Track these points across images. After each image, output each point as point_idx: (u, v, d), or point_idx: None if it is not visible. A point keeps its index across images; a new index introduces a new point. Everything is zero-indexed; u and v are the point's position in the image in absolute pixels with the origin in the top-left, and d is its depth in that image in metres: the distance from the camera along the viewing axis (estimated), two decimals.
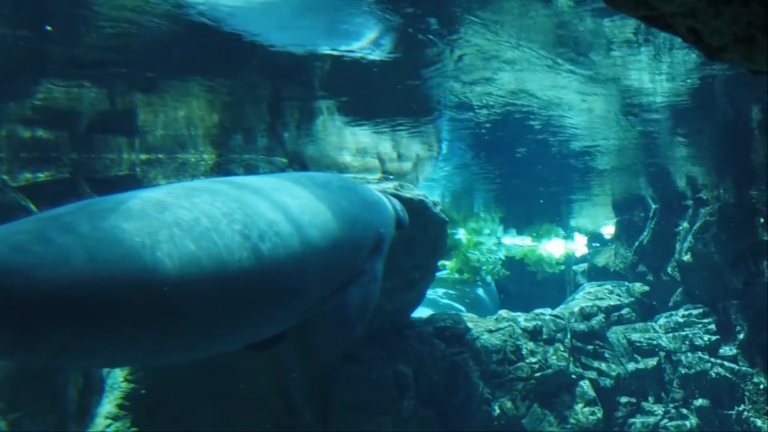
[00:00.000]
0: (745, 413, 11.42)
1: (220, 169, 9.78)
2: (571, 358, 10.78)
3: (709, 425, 11.35)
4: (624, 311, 12.07)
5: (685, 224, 12.74)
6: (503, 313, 10.99)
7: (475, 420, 9.76)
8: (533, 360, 10.36)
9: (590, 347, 11.23)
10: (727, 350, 11.88)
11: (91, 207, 6.17)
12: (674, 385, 11.53)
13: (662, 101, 9.40)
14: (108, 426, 7.89)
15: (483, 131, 10.70)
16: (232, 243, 6.28)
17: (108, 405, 7.99)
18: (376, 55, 7.81)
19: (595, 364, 11.13)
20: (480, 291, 17.55)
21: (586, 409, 10.50)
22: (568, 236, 19.73)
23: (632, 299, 12.48)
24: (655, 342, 11.72)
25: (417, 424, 9.31)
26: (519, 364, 10.28)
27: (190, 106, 8.98)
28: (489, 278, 17.70)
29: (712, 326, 12.06)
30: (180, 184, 7.52)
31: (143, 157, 9.58)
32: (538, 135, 10.99)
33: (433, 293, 15.95)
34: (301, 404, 8.78)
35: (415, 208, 9.04)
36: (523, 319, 10.78)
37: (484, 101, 9.35)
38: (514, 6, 6.61)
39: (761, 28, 2.34)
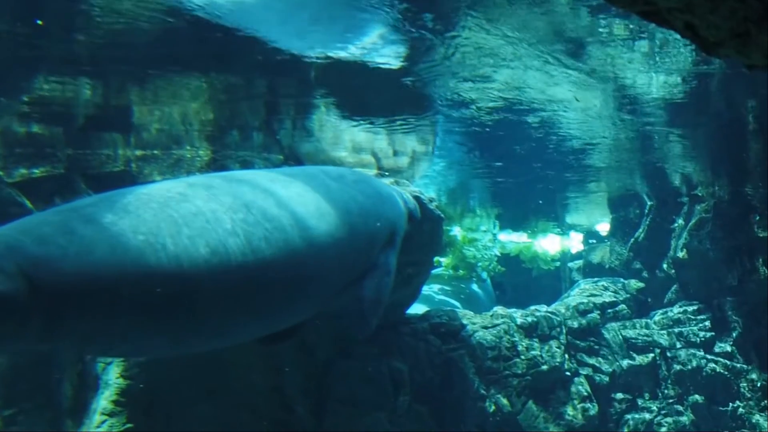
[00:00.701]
0: (740, 410, 11.44)
1: (216, 165, 9.77)
2: (567, 355, 10.80)
3: (703, 422, 11.37)
4: (619, 308, 12.07)
5: (681, 221, 12.76)
6: (499, 309, 11.00)
7: (470, 416, 9.77)
8: (528, 356, 10.37)
9: (585, 344, 11.24)
10: (722, 347, 11.90)
11: (113, 198, 6.28)
12: (669, 381, 11.54)
13: (658, 98, 9.41)
14: (103, 422, 7.88)
15: (479, 128, 10.70)
16: (252, 233, 6.41)
17: (103, 401, 7.98)
18: (373, 54, 7.81)
19: (591, 360, 11.15)
20: (475, 287, 17.56)
21: (581, 406, 10.51)
22: (564, 233, 19.76)
23: (627, 296, 12.49)
24: (650, 339, 11.73)
25: (412, 420, 9.32)
26: (514, 360, 10.28)
27: (185, 102, 8.97)
28: (484, 275, 17.71)
29: (707, 323, 12.07)
30: (199, 176, 7.79)
31: (138, 153, 9.56)
32: (534, 132, 11.00)
33: (429, 289, 15.95)
34: (296, 400, 8.79)
35: None
36: (518, 316, 10.79)
37: (480, 98, 9.35)
38: (512, 2, 6.62)
39: (757, 23, 2.34)
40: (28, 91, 8.24)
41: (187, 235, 6.04)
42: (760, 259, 11.91)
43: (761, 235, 11.91)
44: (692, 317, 12.14)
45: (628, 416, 11.12)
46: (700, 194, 12.72)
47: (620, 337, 11.60)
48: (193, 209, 6.26)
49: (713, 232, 12.22)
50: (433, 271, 15.85)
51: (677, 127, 10.80)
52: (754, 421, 11.33)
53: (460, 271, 17.15)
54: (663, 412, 11.30)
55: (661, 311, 12.38)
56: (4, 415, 8.21)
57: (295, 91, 9.14)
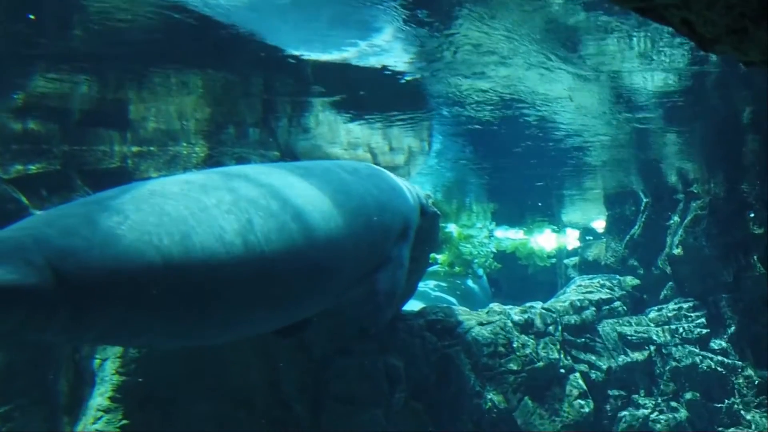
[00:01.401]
0: (735, 406, 11.46)
1: (212, 162, 9.75)
2: (562, 351, 10.80)
3: (699, 418, 11.39)
4: (615, 304, 12.08)
5: (676, 218, 12.77)
6: (495, 306, 11.01)
7: (466, 413, 9.78)
8: (524, 353, 10.38)
9: (581, 340, 11.25)
10: (717, 343, 11.92)
11: (134, 190, 6.38)
12: (664, 378, 11.56)
13: (654, 96, 9.42)
14: (99, 418, 7.88)
15: (475, 125, 10.70)
16: (271, 225, 6.52)
17: (99, 397, 7.98)
18: (369, 53, 7.81)
19: (586, 357, 11.16)
20: (472, 284, 17.58)
21: (577, 402, 10.52)
22: (560, 230, 19.77)
23: (623, 293, 12.50)
24: (645, 335, 11.75)
25: (408, 416, 9.33)
26: (510, 357, 10.29)
27: (182, 98, 8.96)
28: (481, 271, 17.72)
29: (703, 320, 12.09)
30: (216, 169, 7.77)
31: (135, 149, 9.55)
32: (530, 130, 11.00)
33: (425, 286, 15.98)
34: (293, 397, 8.79)
35: None
36: (514, 312, 10.79)
37: (477, 96, 9.35)
38: None
39: (754, 19, 2.34)
40: (24, 87, 8.23)
41: (207, 226, 6.15)
42: (756, 256, 11.93)
43: (757, 232, 11.93)
44: (688, 314, 12.17)
45: (624, 413, 11.13)
46: (695, 191, 12.73)
47: (616, 333, 11.61)
48: (213, 201, 6.37)
49: (709, 229, 12.24)
50: (429, 268, 15.89)
51: (673, 124, 10.81)
52: (749, 418, 11.35)
53: (456, 267, 17.16)
54: (658, 408, 11.32)
55: (656, 308, 12.40)
56: (0, 411, 8.20)
57: (292, 89, 9.14)
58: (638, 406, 11.27)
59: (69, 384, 8.39)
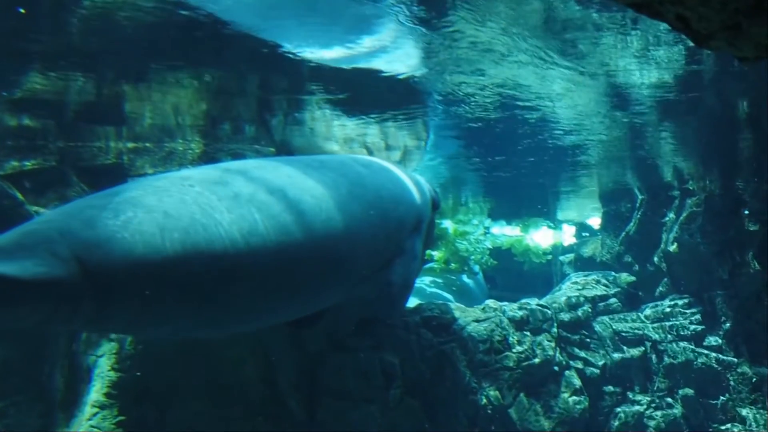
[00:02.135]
0: (730, 402, 11.49)
1: (208, 158, 9.75)
2: (558, 348, 10.82)
3: (694, 414, 11.42)
4: (610, 301, 12.10)
5: (672, 215, 12.79)
6: (490, 302, 11.01)
7: (462, 409, 9.79)
8: (520, 349, 10.39)
9: (576, 337, 11.27)
10: (712, 340, 11.95)
11: (154, 183, 6.50)
12: (660, 374, 11.59)
13: (650, 93, 9.43)
14: (95, 414, 7.88)
15: (471, 123, 10.71)
16: (289, 215, 6.62)
17: (95, 394, 7.98)
18: (367, 50, 7.81)
19: (581, 353, 11.18)
20: (468, 280, 17.58)
21: (572, 399, 10.54)
22: (556, 227, 19.78)
23: (618, 289, 12.51)
24: (641, 332, 11.77)
25: (403, 413, 9.33)
26: (506, 353, 10.30)
27: (177, 95, 8.95)
28: (477, 268, 17.72)
29: (698, 316, 12.12)
30: (234, 162, 7.95)
31: (130, 145, 9.54)
32: (526, 127, 11.01)
33: (420, 282, 15.97)
34: (288, 393, 8.79)
35: None
36: (510, 309, 10.80)
37: (473, 93, 9.35)
38: None
39: (748, 15, 2.35)
40: (19, 83, 8.21)
41: (227, 217, 6.23)
42: (751, 253, 11.96)
43: (752, 229, 11.96)
44: (683, 310, 12.19)
45: (619, 409, 11.16)
46: (691, 188, 12.76)
47: (611, 330, 11.63)
48: (232, 193, 6.46)
49: (704, 226, 12.26)
50: (425, 265, 15.90)
51: (669, 121, 10.83)
52: (744, 414, 11.38)
53: (452, 264, 17.16)
54: (654, 405, 11.34)
55: (651, 304, 12.42)
56: None
57: (287, 86, 9.14)
58: (633, 403, 11.29)
59: (64, 380, 8.39)
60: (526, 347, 10.44)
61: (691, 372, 11.61)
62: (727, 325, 12.00)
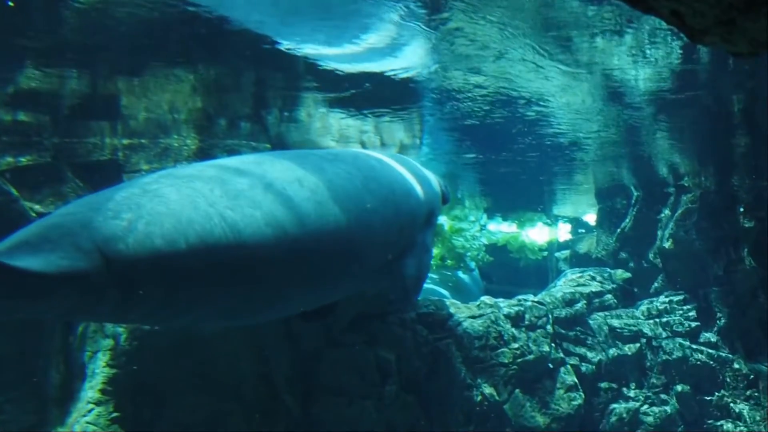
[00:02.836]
0: (725, 399, 11.52)
1: (204, 154, 9.75)
2: (553, 344, 10.84)
3: (689, 411, 11.45)
4: (606, 298, 12.12)
5: (667, 211, 12.81)
6: (486, 299, 11.02)
7: (457, 405, 9.80)
8: (515, 346, 10.40)
9: (572, 333, 11.28)
10: (707, 336, 11.98)
11: (172, 174, 6.60)
12: (655, 371, 11.61)
13: (645, 90, 9.43)
14: (90, 411, 7.87)
15: (467, 120, 10.71)
16: (304, 206, 6.72)
17: (90, 390, 7.97)
18: (364, 48, 7.81)
19: (577, 350, 11.20)
20: (464, 276, 17.59)
21: (567, 395, 10.56)
22: (552, 223, 19.80)
23: (614, 286, 12.53)
24: (636, 328, 11.79)
25: (399, 409, 9.34)
26: (501, 350, 10.31)
27: (173, 91, 8.94)
28: (473, 264, 17.73)
29: (693, 313, 12.15)
30: (252, 154, 8.17)
31: (126, 141, 9.53)
32: (522, 125, 11.01)
33: None
34: (283, 388, 8.80)
35: None
36: (505, 306, 10.81)
37: (470, 90, 9.35)
38: None
39: (742, 10, 2.35)
40: (13, 79, 8.19)
41: (244, 208, 6.30)
42: (746, 250, 11.98)
43: (747, 226, 11.98)
44: (678, 307, 12.22)
45: (614, 405, 11.18)
46: (686, 185, 12.78)
47: (606, 326, 11.65)
48: (249, 183, 6.55)
49: (699, 223, 12.28)
50: None
51: (664, 118, 10.83)
52: (739, 410, 11.41)
53: (449, 261, 17.17)
54: (649, 401, 11.37)
55: (647, 301, 12.44)
56: None
57: (283, 83, 9.13)
58: (628, 399, 11.32)
59: (60, 376, 8.38)
60: (521, 343, 10.45)
61: (686, 368, 11.64)
62: (722, 321, 12.03)
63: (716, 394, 11.54)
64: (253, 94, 9.46)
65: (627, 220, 13.43)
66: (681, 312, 12.14)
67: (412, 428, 9.42)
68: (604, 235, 13.97)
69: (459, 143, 12.58)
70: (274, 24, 7.25)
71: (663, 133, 11.57)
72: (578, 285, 12.21)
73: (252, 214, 6.32)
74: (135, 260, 5.70)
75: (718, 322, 12.05)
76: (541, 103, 9.91)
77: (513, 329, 10.53)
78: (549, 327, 10.90)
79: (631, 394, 11.38)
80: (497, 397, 10.03)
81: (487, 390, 9.99)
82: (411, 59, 8.22)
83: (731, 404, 11.48)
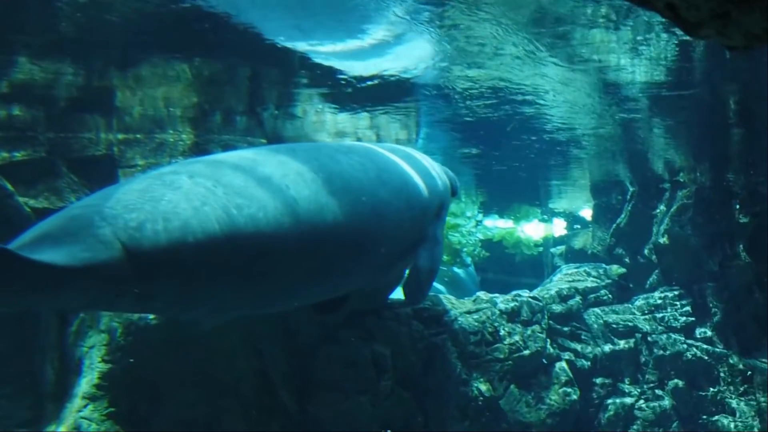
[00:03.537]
0: (720, 394, 11.54)
1: (199, 149, 9.73)
2: (548, 340, 10.84)
3: (684, 406, 11.46)
4: (601, 293, 12.13)
5: (662, 207, 12.81)
6: (481, 294, 11.02)
7: (453, 400, 9.80)
8: (511, 341, 10.40)
9: (567, 329, 11.29)
10: (702, 332, 11.99)
11: (188, 165, 6.70)
12: (650, 366, 11.63)
13: (641, 86, 9.43)
14: (85, 406, 7.86)
15: (463, 116, 10.71)
16: (320, 197, 6.81)
17: (85, 385, 7.96)
18: (361, 47, 7.80)
19: (572, 345, 11.21)
20: (460, 272, 17.60)
21: (563, 390, 10.57)
22: (548, 219, 19.81)
23: (609, 281, 12.54)
24: (631, 324, 11.80)
25: (394, 404, 9.34)
26: (497, 345, 10.32)
27: (168, 85, 8.92)
28: (468, 259, 17.74)
29: (688, 308, 12.16)
30: (265, 147, 8.34)
31: (121, 136, 9.51)
32: (518, 121, 11.00)
33: None
34: (279, 384, 8.79)
35: None
36: (501, 301, 10.81)
37: (466, 86, 9.35)
38: None
39: (737, 3, 2.35)
40: (10, 73, 8.17)
41: (261, 198, 6.37)
42: (741, 245, 12.00)
43: (742, 221, 12.00)
44: (673, 302, 12.23)
45: (610, 401, 11.20)
46: (682, 180, 12.78)
47: (602, 322, 11.66)
48: (265, 174, 6.61)
49: (695, 218, 12.29)
50: None
51: (660, 114, 10.83)
52: (734, 405, 11.43)
53: (444, 257, 17.17)
54: (644, 396, 11.38)
55: (642, 296, 12.45)
56: None
57: (279, 79, 9.12)
58: (624, 394, 11.33)
59: (55, 372, 8.37)
60: (517, 339, 10.46)
61: (681, 364, 11.66)
62: (718, 316, 12.05)
63: (711, 389, 11.56)
64: (248, 89, 9.45)
65: (622, 216, 13.43)
66: (676, 307, 12.15)
67: (407, 423, 9.42)
68: (599, 230, 13.97)
69: (455, 139, 12.58)
70: (272, 19, 7.25)
71: (659, 128, 11.58)
72: (574, 280, 12.22)
73: (269, 205, 6.39)
74: (156, 251, 5.76)
75: (713, 317, 12.07)
76: (538, 99, 9.91)
77: (509, 325, 10.53)
78: (544, 322, 10.90)
79: (627, 389, 11.39)
80: (493, 393, 10.04)
81: (483, 385, 10.00)
82: (407, 55, 8.21)
83: (726, 399, 11.51)
